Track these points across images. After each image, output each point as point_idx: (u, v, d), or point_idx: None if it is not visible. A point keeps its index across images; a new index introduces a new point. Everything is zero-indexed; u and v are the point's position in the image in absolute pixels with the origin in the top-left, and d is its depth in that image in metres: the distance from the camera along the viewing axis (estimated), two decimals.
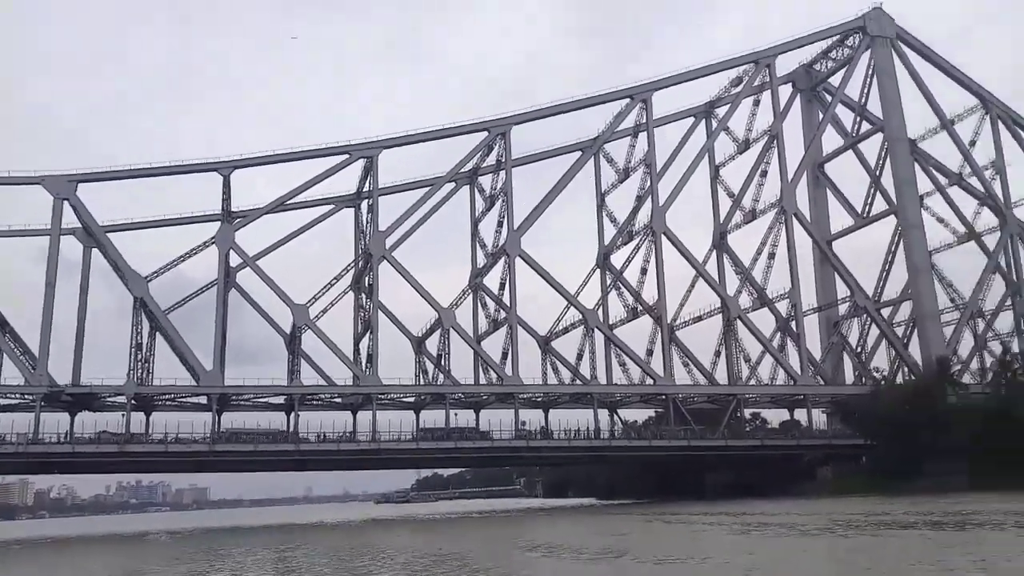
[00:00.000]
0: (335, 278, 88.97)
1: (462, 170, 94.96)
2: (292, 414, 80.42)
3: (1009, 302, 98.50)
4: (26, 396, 74.30)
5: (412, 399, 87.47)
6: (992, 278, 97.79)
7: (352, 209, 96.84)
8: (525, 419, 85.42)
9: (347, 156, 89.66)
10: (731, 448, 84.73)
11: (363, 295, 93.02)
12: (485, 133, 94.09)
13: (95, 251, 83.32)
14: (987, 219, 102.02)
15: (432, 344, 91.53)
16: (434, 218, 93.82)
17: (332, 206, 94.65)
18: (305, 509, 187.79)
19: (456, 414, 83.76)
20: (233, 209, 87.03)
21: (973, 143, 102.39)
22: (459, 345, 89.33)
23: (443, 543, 39.67)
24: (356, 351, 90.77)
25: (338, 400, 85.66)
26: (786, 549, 27.75)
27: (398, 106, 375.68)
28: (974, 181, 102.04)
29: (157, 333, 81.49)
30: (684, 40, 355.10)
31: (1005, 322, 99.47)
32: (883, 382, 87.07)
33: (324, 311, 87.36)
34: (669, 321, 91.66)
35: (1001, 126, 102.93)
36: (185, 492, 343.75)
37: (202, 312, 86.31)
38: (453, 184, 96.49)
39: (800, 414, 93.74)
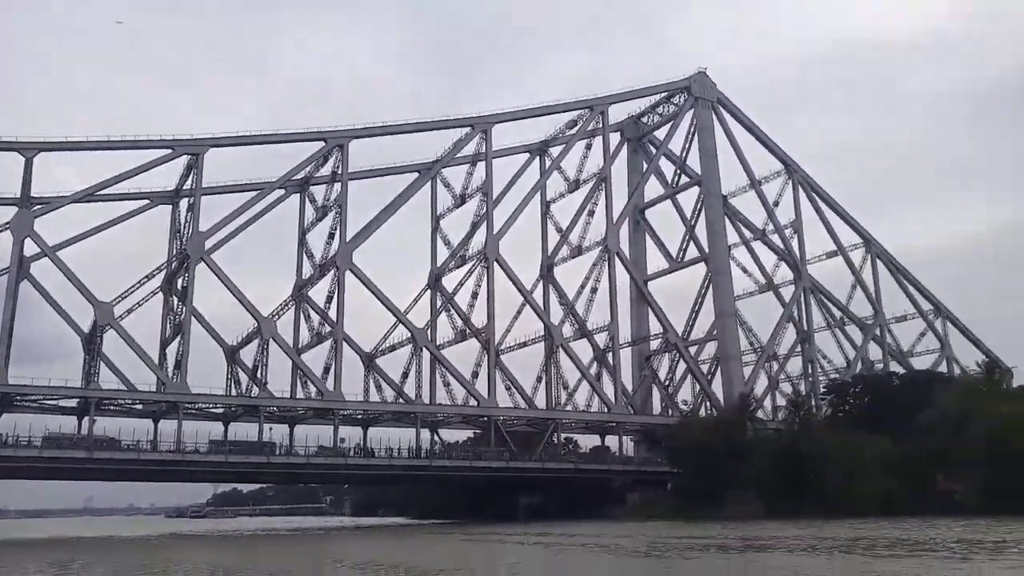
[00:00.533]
0: (146, 276, 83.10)
1: (294, 178, 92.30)
2: (86, 419, 73.49)
3: (799, 348, 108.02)
4: None
5: (221, 410, 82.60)
6: (786, 326, 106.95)
7: (170, 207, 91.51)
8: (343, 436, 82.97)
9: (170, 151, 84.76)
10: (548, 471, 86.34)
11: (174, 298, 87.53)
12: (322, 143, 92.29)
13: None
14: (784, 273, 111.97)
15: (247, 355, 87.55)
16: (258, 226, 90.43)
17: (148, 201, 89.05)
18: (87, 522, 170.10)
19: (271, 428, 79.93)
20: (34, 195, 79.45)
21: (776, 203, 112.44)
22: (276, 358, 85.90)
23: (260, 558, 37.04)
24: (163, 356, 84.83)
25: (139, 407, 79.24)
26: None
27: (223, 110, 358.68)
28: (775, 238, 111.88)
29: None
30: (514, 80, 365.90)
31: (795, 366, 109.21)
32: (689, 414, 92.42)
33: (130, 311, 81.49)
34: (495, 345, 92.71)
35: (801, 191, 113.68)
36: None
37: None
38: (283, 191, 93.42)
39: (610, 440, 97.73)
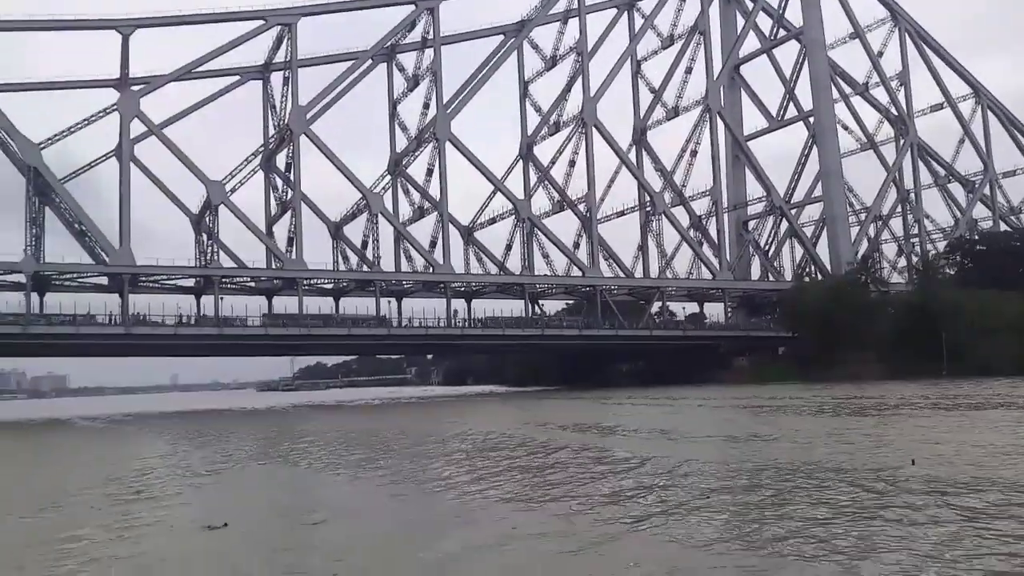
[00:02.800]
0: (253, 154, 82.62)
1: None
2: (205, 297, 75.65)
3: (899, 209, 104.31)
4: None
5: (331, 285, 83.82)
6: (891, 186, 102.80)
7: (260, 82, 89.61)
8: (456, 308, 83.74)
9: (263, 22, 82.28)
10: (655, 338, 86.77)
11: (274, 175, 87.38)
12: (412, 7, 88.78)
13: None
14: (885, 130, 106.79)
15: (350, 230, 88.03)
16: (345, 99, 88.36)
17: (238, 77, 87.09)
18: (183, 397, 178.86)
19: (389, 302, 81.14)
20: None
21: (881, 54, 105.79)
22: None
23: (404, 424, 38.05)
24: (269, 234, 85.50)
25: (251, 284, 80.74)
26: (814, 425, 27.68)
27: None
28: (877, 92, 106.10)
29: (46, 208, 73.39)
30: None
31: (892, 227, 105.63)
32: (807, 277, 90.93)
33: (233, 191, 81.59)
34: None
35: (908, 40, 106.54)
36: (42, 379, 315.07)
37: (86, 194, 78.35)
38: (370, 61, 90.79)
39: (709, 307, 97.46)
